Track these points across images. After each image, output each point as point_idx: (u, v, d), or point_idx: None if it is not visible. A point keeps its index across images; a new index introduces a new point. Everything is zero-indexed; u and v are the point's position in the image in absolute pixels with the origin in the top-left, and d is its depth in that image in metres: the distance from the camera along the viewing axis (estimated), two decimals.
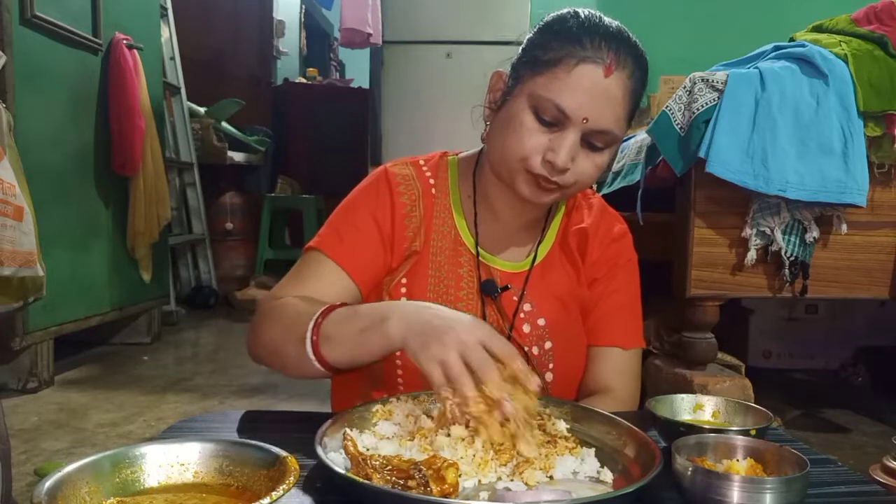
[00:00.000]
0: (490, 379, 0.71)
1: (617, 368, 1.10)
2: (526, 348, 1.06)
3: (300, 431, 0.73)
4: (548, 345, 1.07)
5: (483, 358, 0.72)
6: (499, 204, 1.08)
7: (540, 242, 1.11)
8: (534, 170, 0.95)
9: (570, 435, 0.79)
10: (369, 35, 3.51)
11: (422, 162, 1.12)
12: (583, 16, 0.96)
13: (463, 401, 0.72)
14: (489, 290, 1.05)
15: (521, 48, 1.01)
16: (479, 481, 0.69)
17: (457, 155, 1.15)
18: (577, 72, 0.92)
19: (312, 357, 0.85)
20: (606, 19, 0.96)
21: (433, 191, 1.09)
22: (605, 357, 1.10)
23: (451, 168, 1.12)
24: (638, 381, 1.13)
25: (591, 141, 0.95)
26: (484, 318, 1.05)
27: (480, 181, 1.10)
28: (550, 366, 1.07)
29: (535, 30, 1.00)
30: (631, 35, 0.97)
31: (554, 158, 0.93)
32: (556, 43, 0.94)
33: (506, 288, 1.06)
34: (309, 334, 0.85)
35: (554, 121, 0.93)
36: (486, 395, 0.72)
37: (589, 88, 0.92)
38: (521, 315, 1.07)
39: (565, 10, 0.98)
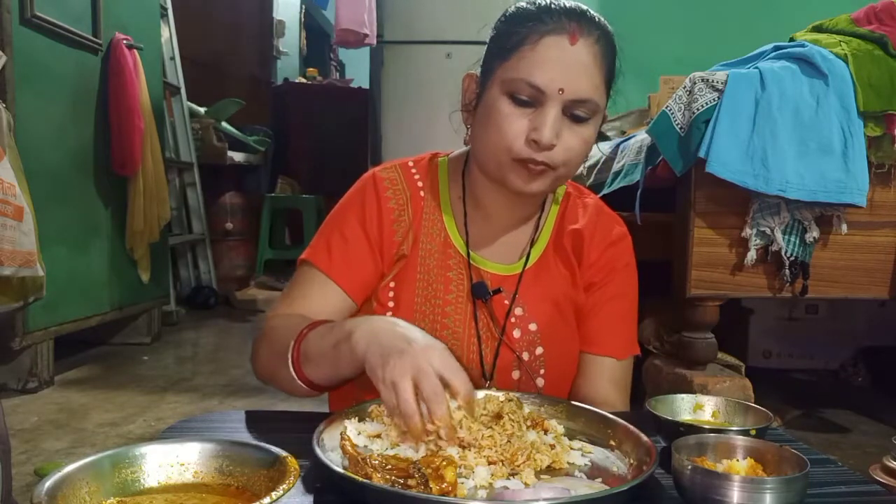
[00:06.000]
0: (438, 414, 0.70)
1: (610, 378, 1.08)
2: (517, 353, 1.04)
3: (300, 431, 0.73)
4: (539, 350, 1.05)
5: (435, 390, 0.70)
6: (489, 202, 1.06)
7: (533, 244, 1.08)
8: (519, 155, 0.93)
9: (563, 432, 0.80)
10: (365, 35, 3.51)
11: (411, 164, 1.10)
12: (539, 0, 0.96)
13: (407, 428, 0.71)
14: (480, 293, 1.03)
15: (486, 46, 1.01)
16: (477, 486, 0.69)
17: (447, 156, 1.13)
18: (543, 45, 0.92)
19: (296, 378, 0.86)
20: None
21: (421, 193, 1.07)
22: (599, 366, 1.08)
23: (440, 169, 1.10)
24: (629, 389, 1.12)
25: (574, 112, 0.93)
26: (475, 321, 1.04)
27: (470, 181, 1.08)
28: (542, 371, 1.05)
29: (496, 24, 1.00)
30: (591, 10, 0.96)
31: (538, 136, 0.91)
32: (517, 27, 0.94)
33: (497, 291, 1.04)
34: (290, 355, 0.86)
35: (530, 99, 0.92)
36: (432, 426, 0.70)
37: (557, 59, 0.91)
38: (512, 319, 1.05)
39: (522, 1, 0.98)
